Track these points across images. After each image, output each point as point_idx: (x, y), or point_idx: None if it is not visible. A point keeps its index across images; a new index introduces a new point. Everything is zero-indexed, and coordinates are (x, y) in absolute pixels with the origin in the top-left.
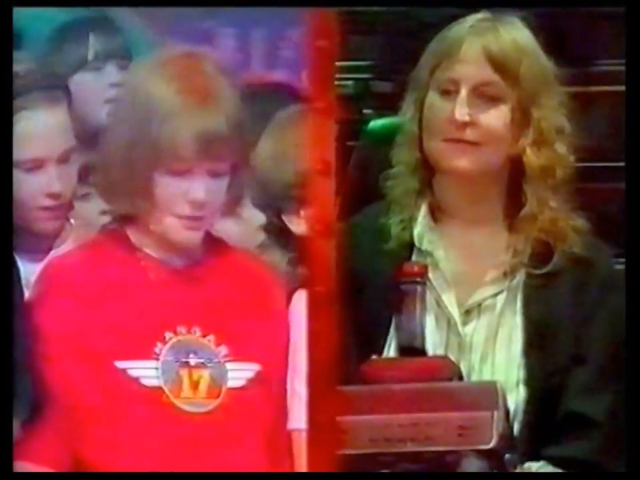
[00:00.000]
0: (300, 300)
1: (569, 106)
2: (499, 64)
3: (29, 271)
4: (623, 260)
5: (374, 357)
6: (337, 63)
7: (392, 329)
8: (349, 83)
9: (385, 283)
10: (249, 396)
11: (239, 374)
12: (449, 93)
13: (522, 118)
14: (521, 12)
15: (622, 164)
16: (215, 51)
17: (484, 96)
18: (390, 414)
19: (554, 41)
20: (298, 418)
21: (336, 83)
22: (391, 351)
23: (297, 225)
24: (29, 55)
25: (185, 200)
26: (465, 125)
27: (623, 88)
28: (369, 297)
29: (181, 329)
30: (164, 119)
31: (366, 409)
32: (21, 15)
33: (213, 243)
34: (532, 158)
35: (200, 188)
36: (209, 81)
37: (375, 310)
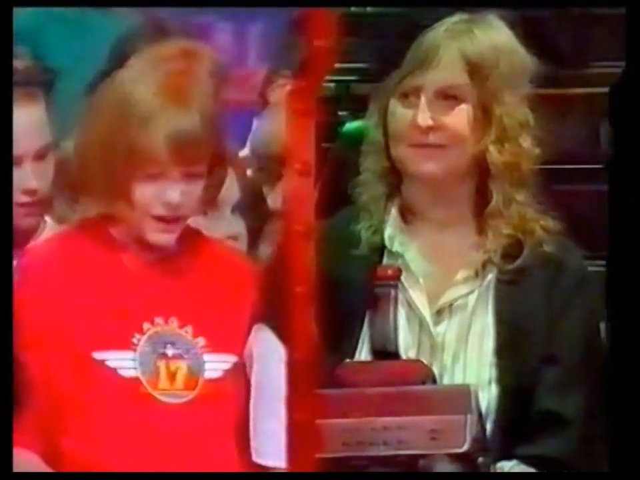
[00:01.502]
0: (256, 339)
1: (532, 98)
2: (475, 66)
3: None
4: (602, 262)
5: (347, 360)
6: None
7: (363, 333)
8: (330, 85)
9: (356, 287)
10: (225, 387)
11: (216, 365)
12: (409, 98)
13: (484, 116)
14: (502, 11)
15: (600, 166)
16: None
17: (445, 98)
18: (363, 417)
19: (550, 43)
20: (269, 454)
21: (321, 84)
22: (362, 354)
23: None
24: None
25: (159, 202)
26: (428, 129)
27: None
28: (340, 301)
29: (159, 320)
30: (140, 122)
31: (339, 412)
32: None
33: (190, 235)
34: (495, 155)
35: (175, 191)
36: (191, 82)
37: (346, 314)
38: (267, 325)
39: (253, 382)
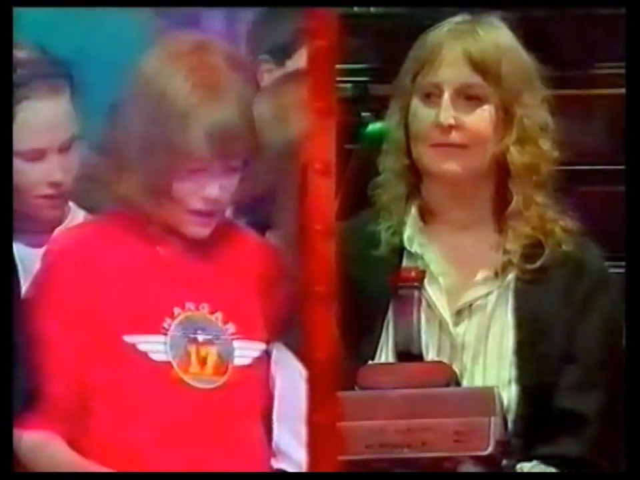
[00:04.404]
0: (279, 360)
1: (552, 102)
2: (479, 65)
3: (29, 257)
4: (622, 263)
5: (369, 362)
6: (336, 66)
7: (384, 334)
8: (347, 85)
9: (376, 289)
10: (254, 374)
11: (245, 352)
12: (431, 97)
13: (505, 117)
14: (505, 13)
15: (621, 167)
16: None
17: (467, 98)
18: (386, 419)
19: (552, 44)
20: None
21: (336, 84)
22: (383, 356)
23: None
24: (30, 43)
25: (199, 196)
26: (450, 128)
27: (622, 91)
28: (360, 303)
29: (190, 305)
30: (180, 119)
31: (362, 414)
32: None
33: (222, 223)
34: (516, 156)
35: (214, 186)
36: (221, 76)
37: (367, 315)
38: (283, 344)
39: (279, 404)
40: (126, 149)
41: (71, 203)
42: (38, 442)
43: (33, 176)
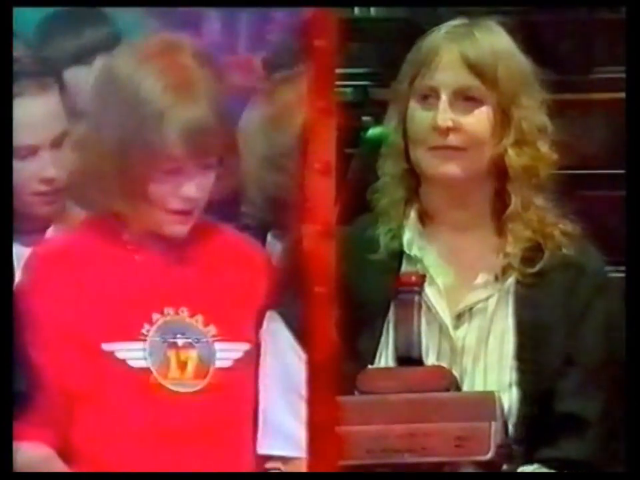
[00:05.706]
0: (269, 331)
1: (551, 105)
2: (476, 68)
3: (26, 255)
4: (622, 268)
5: (369, 366)
6: (336, 70)
7: (383, 338)
8: (348, 89)
9: (376, 293)
10: (236, 376)
11: (227, 354)
12: (429, 100)
13: (503, 119)
14: (503, 17)
15: (622, 171)
16: (201, 34)
17: (464, 100)
18: (387, 424)
19: (552, 48)
20: (269, 444)
21: (336, 84)
22: (383, 360)
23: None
24: (18, 41)
25: (176, 196)
26: (448, 130)
27: (622, 95)
28: (360, 307)
29: (169, 310)
30: (153, 120)
31: (363, 419)
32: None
33: (199, 223)
34: (514, 158)
35: (191, 185)
36: (191, 74)
37: (366, 319)
38: (278, 313)
39: (267, 374)
40: (99, 152)
41: (68, 202)
42: (36, 458)
43: (26, 173)
